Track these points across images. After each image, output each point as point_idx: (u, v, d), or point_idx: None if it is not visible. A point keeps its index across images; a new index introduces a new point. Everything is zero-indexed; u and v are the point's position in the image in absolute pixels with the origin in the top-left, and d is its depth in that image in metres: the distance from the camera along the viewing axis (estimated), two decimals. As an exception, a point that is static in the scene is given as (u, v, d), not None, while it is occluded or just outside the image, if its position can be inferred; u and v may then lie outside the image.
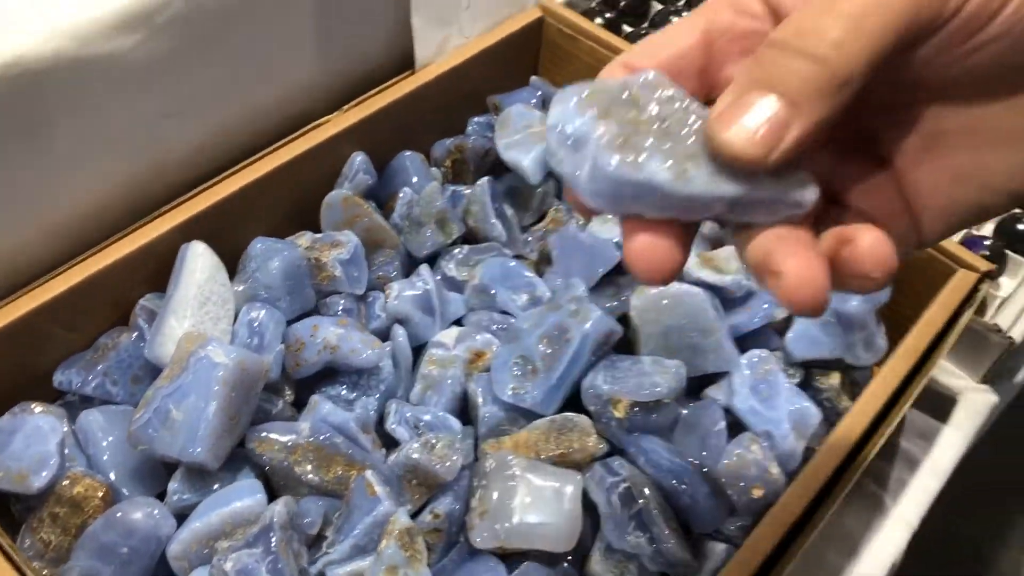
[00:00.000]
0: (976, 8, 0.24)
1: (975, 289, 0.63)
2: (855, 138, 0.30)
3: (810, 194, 0.26)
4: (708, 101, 0.29)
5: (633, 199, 0.26)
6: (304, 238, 0.64)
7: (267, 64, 0.63)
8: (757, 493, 0.54)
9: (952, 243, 0.64)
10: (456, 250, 0.67)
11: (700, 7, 0.30)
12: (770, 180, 0.26)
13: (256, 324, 0.58)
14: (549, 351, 0.58)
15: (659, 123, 0.26)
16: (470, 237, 0.69)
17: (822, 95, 0.24)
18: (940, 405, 0.70)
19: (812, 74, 0.23)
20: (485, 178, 0.68)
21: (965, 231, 0.76)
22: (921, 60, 0.25)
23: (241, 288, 0.60)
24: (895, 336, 0.63)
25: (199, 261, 0.58)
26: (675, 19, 0.83)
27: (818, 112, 0.24)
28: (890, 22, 0.23)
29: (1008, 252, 0.74)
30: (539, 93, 0.74)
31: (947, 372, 0.71)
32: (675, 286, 0.61)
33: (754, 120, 0.24)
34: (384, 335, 0.62)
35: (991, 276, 0.63)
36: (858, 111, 0.27)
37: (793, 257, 0.25)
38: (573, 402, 0.58)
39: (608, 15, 0.86)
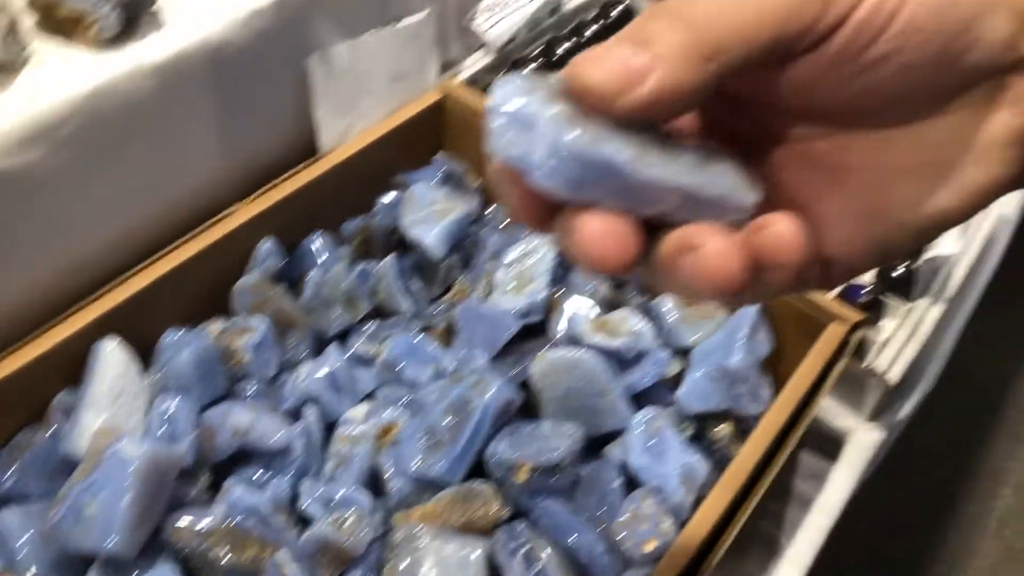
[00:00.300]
0: (859, 24, 0.23)
1: (846, 339, 0.68)
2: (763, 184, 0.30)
3: (755, 196, 0.27)
4: None
5: (592, 181, 0.24)
6: (216, 324, 0.67)
7: (173, 162, 0.66)
8: (649, 547, 0.58)
9: (824, 298, 0.70)
10: (366, 326, 0.70)
11: None
12: (721, 171, 0.26)
13: (168, 415, 0.61)
14: (453, 423, 0.61)
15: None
16: (379, 312, 0.72)
17: (687, 60, 0.23)
18: (830, 445, 0.75)
19: (681, 37, 0.23)
20: (391, 255, 0.71)
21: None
22: (808, 80, 0.25)
23: (154, 379, 0.63)
24: (779, 386, 0.68)
25: (111, 357, 0.60)
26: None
27: (679, 75, 0.23)
28: (766, 17, 0.23)
29: (885, 297, 0.80)
30: (443, 169, 0.78)
31: (836, 413, 0.76)
32: (571, 351, 0.65)
33: (615, 61, 0.23)
34: (296, 415, 0.65)
35: (863, 325, 0.68)
36: (762, 155, 0.27)
37: (712, 236, 0.24)
38: (478, 469, 0.62)
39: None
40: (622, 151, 0.24)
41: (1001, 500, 1.47)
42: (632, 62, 0.23)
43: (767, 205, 0.26)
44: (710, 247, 0.24)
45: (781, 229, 0.25)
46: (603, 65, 0.23)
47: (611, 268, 0.24)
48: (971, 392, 1.54)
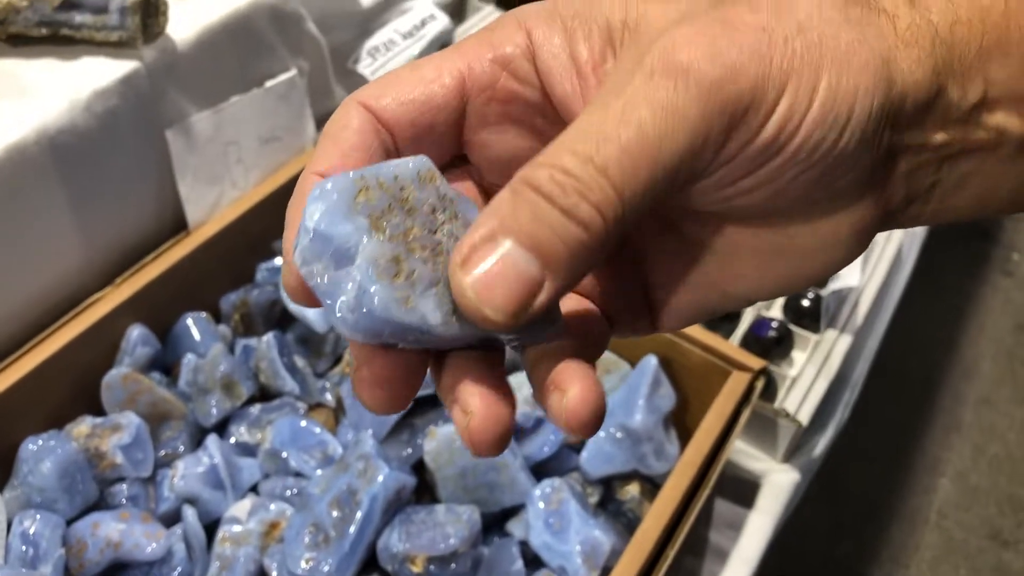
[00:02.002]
0: (751, 155, 0.23)
1: (751, 387, 0.65)
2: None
3: (560, 327, 0.25)
4: (460, 157, 0.27)
5: (392, 335, 0.23)
6: (83, 425, 0.62)
7: (23, 258, 0.62)
8: (552, 636, 0.55)
9: (728, 345, 0.67)
10: (250, 409, 0.66)
11: (450, 49, 0.26)
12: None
13: (30, 534, 0.56)
14: (340, 516, 0.58)
15: (430, 237, 0.23)
16: (264, 392, 0.68)
17: (579, 261, 0.22)
18: (745, 491, 0.73)
19: (574, 239, 0.22)
20: (270, 333, 0.67)
21: (755, 314, 0.80)
22: (694, 194, 0.24)
23: (13, 495, 0.58)
24: (687, 440, 0.66)
25: (-41, 479, 0.56)
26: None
27: (574, 273, 0.22)
28: (664, 171, 0.22)
29: (794, 328, 0.78)
30: (326, 231, 0.74)
31: (748, 456, 0.74)
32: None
33: (506, 281, 0.22)
34: (175, 517, 0.61)
35: (766, 372, 0.66)
36: None
37: (482, 398, 0.24)
38: (373, 561, 0.58)
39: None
40: (431, 315, 0.22)
41: (940, 491, 1.48)
42: (523, 279, 0.22)
43: (612, 261, 0.27)
44: (478, 413, 0.24)
45: (573, 399, 0.24)
46: (493, 292, 0.22)
47: (388, 412, 0.25)
48: (905, 384, 1.55)
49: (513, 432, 0.24)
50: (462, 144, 0.27)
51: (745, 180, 0.24)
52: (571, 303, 0.28)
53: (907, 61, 0.24)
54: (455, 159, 0.28)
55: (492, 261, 0.22)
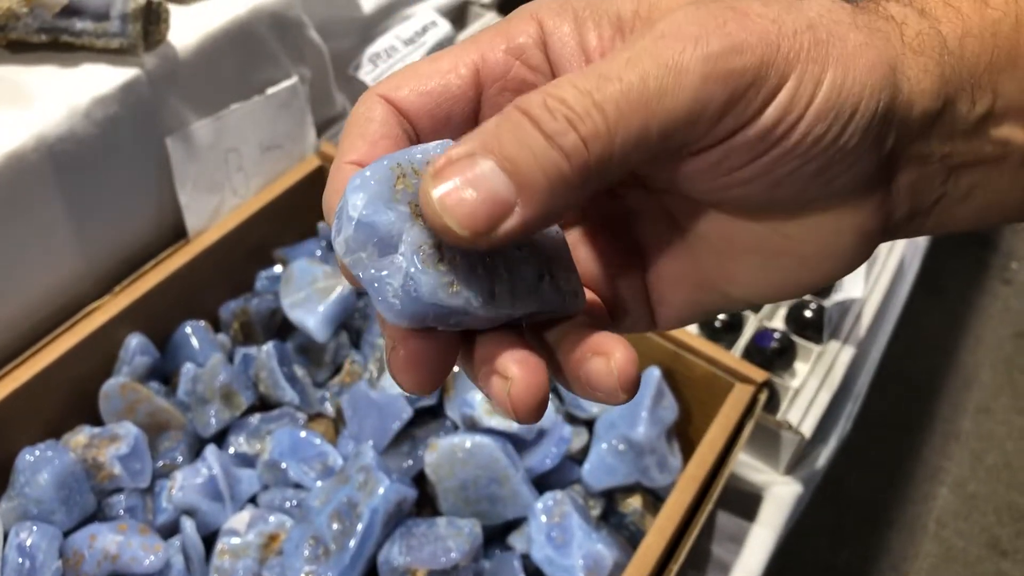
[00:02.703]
0: (749, 139, 0.23)
1: (754, 399, 0.65)
2: (614, 213, 0.29)
3: (581, 301, 0.26)
4: None
5: (436, 319, 0.23)
6: (81, 435, 0.62)
7: (21, 266, 0.61)
8: (554, 652, 0.55)
9: (731, 357, 0.67)
10: (249, 419, 0.66)
11: (466, 41, 0.27)
12: (553, 289, 0.25)
13: (27, 546, 0.55)
14: (340, 529, 0.57)
15: None
16: (263, 401, 0.67)
17: (555, 192, 0.21)
18: (747, 503, 0.72)
19: (553, 166, 0.21)
20: (270, 343, 0.67)
21: (758, 324, 0.79)
22: (692, 174, 0.24)
23: (10, 506, 0.57)
24: (690, 451, 0.65)
25: (-45, 491, 0.55)
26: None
27: (548, 206, 0.22)
28: (659, 126, 0.22)
29: (797, 339, 0.78)
30: (326, 240, 0.74)
31: (751, 468, 0.73)
32: (466, 438, 0.61)
33: (475, 197, 0.21)
34: (173, 528, 0.60)
35: (769, 384, 0.66)
36: (626, 199, 0.27)
37: (521, 364, 0.24)
38: (374, 575, 0.58)
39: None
40: (475, 299, 0.23)
41: (939, 500, 1.47)
42: (494, 196, 0.21)
43: (616, 251, 0.28)
44: (519, 378, 0.23)
45: (620, 360, 0.24)
46: (465, 204, 0.21)
47: (426, 392, 0.25)
48: (905, 392, 1.54)
49: (549, 400, 0.24)
50: None
51: (744, 170, 0.24)
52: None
53: (914, 69, 0.24)
54: None
55: (465, 176, 0.21)
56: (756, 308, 0.80)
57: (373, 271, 0.22)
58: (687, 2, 0.24)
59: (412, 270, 0.22)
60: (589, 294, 0.28)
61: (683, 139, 0.23)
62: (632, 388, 0.24)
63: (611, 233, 0.28)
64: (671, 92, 0.22)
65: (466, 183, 0.21)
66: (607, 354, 0.24)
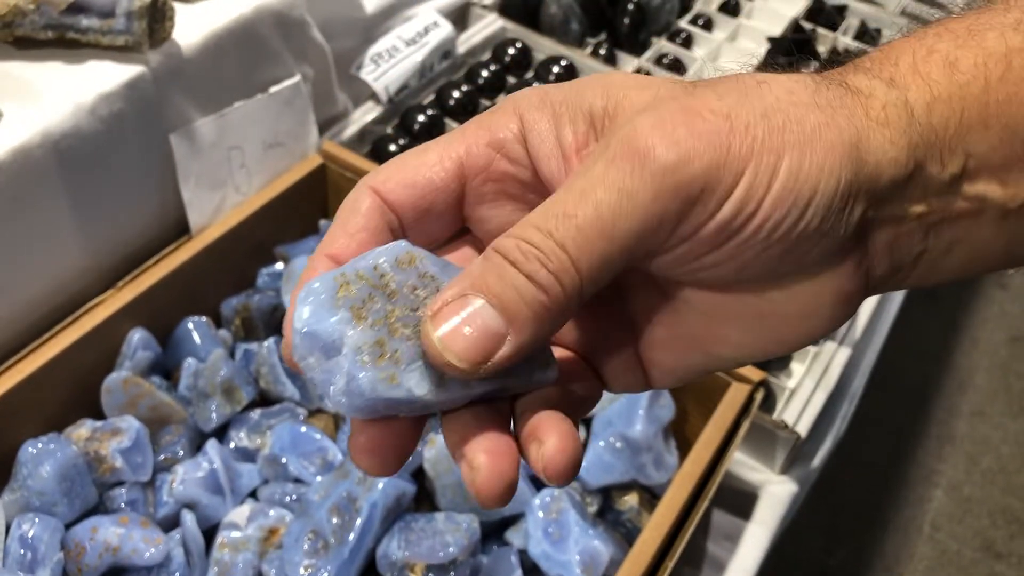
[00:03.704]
0: (711, 232, 0.24)
1: (750, 399, 0.66)
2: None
3: (552, 374, 0.27)
4: (463, 232, 0.30)
5: (388, 409, 0.25)
6: (83, 428, 0.62)
7: (26, 261, 0.62)
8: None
9: (726, 355, 0.67)
10: (250, 414, 0.66)
11: (454, 133, 0.29)
12: (517, 369, 0.26)
13: (29, 537, 0.56)
14: (339, 523, 0.58)
15: (412, 316, 0.25)
16: (264, 397, 0.68)
17: (540, 320, 0.24)
18: (742, 502, 0.73)
19: (535, 299, 0.24)
20: (271, 338, 0.67)
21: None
22: (661, 265, 0.26)
23: (12, 498, 0.58)
24: (686, 450, 0.66)
25: (-42, 482, 0.56)
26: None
27: (536, 332, 0.24)
28: (619, 247, 0.24)
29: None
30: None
31: (747, 467, 0.74)
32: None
33: (471, 332, 0.24)
34: (174, 522, 0.61)
35: (765, 383, 0.67)
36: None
37: (485, 453, 0.25)
38: (372, 568, 0.58)
39: (402, 141, 0.88)
40: (417, 388, 0.24)
41: (934, 502, 1.48)
42: (486, 330, 0.24)
43: (604, 318, 0.29)
44: (484, 469, 0.25)
45: (550, 448, 0.25)
46: (457, 339, 0.24)
47: (386, 474, 0.26)
48: (900, 395, 1.55)
49: (517, 483, 0.25)
50: (464, 219, 0.30)
51: (708, 256, 0.25)
52: (563, 360, 0.29)
53: (880, 141, 0.24)
54: (462, 230, 0.30)
55: (462, 315, 0.24)
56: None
57: (321, 373, 0.24)
58: (645, 105, 0.25)
59: (353, 370, 0.24)
60: (578, 362, 0.30)
61: (646, 249, 0.24)
62: (559, 476, 0.25)
63: (602, 301, 0.29)
64: (625, 215, 0.24)
65: (463, 322, 0.24)
66: (540, 440, 0.25)
